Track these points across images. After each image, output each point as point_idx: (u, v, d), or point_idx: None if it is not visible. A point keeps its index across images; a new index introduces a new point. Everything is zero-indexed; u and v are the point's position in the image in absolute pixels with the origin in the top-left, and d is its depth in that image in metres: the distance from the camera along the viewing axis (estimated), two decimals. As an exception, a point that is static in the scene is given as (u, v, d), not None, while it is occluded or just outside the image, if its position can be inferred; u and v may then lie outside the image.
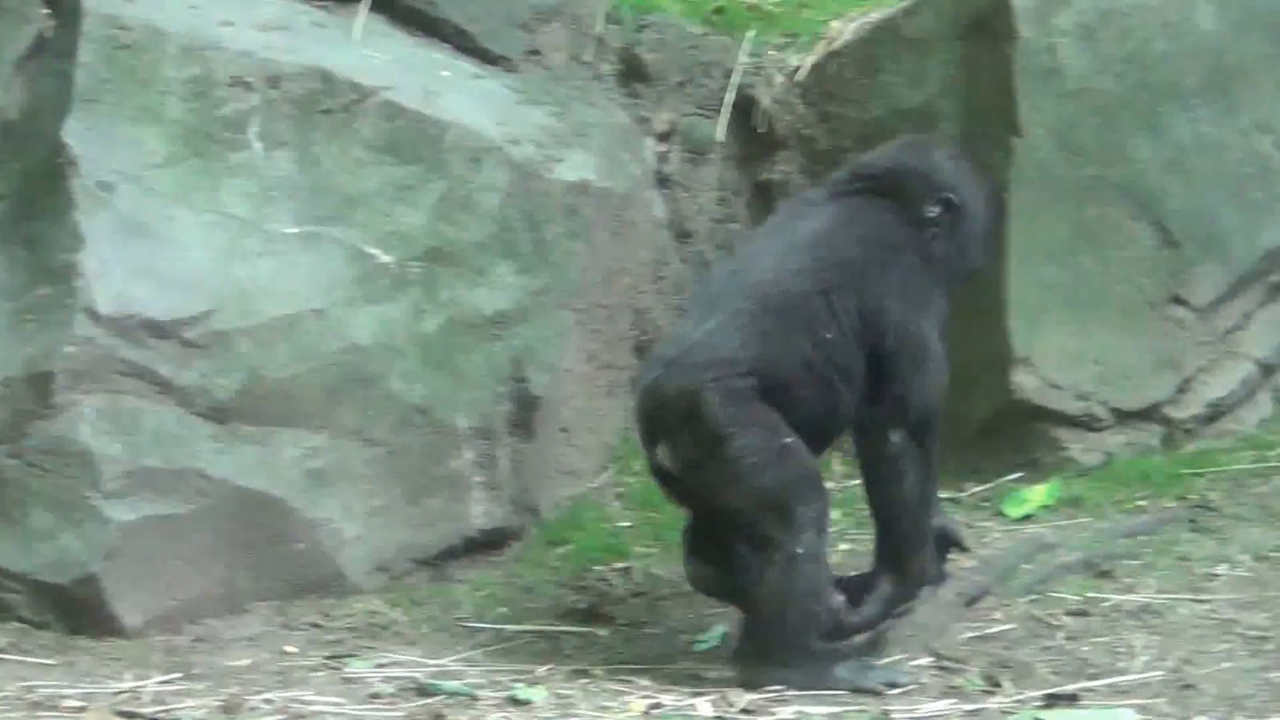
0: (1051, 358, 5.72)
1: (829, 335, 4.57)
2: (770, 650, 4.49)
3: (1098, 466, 5.72)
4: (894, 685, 4.46)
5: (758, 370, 4.51)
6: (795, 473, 4.49)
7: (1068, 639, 4.74)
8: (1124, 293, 5.78)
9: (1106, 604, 4.91)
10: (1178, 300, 5.81)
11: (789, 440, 4.50)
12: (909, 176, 4.80)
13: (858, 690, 4.43)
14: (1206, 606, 4.86)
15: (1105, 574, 5.06)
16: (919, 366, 4.61)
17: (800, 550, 4.43)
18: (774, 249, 4.72)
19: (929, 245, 4.73)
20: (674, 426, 4.55)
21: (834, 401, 4.60)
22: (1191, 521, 5.38)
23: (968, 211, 4.80)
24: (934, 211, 4.75)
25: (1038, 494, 5.59)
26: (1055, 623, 4.84)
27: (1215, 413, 5.88)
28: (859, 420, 4.65)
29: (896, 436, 4.58)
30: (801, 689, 4.41)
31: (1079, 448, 5.75)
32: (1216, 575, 5.05)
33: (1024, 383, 5.70)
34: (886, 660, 4.64)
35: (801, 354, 4.55)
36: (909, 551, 4.66)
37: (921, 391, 4.60)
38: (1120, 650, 4.64)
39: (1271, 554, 5.04)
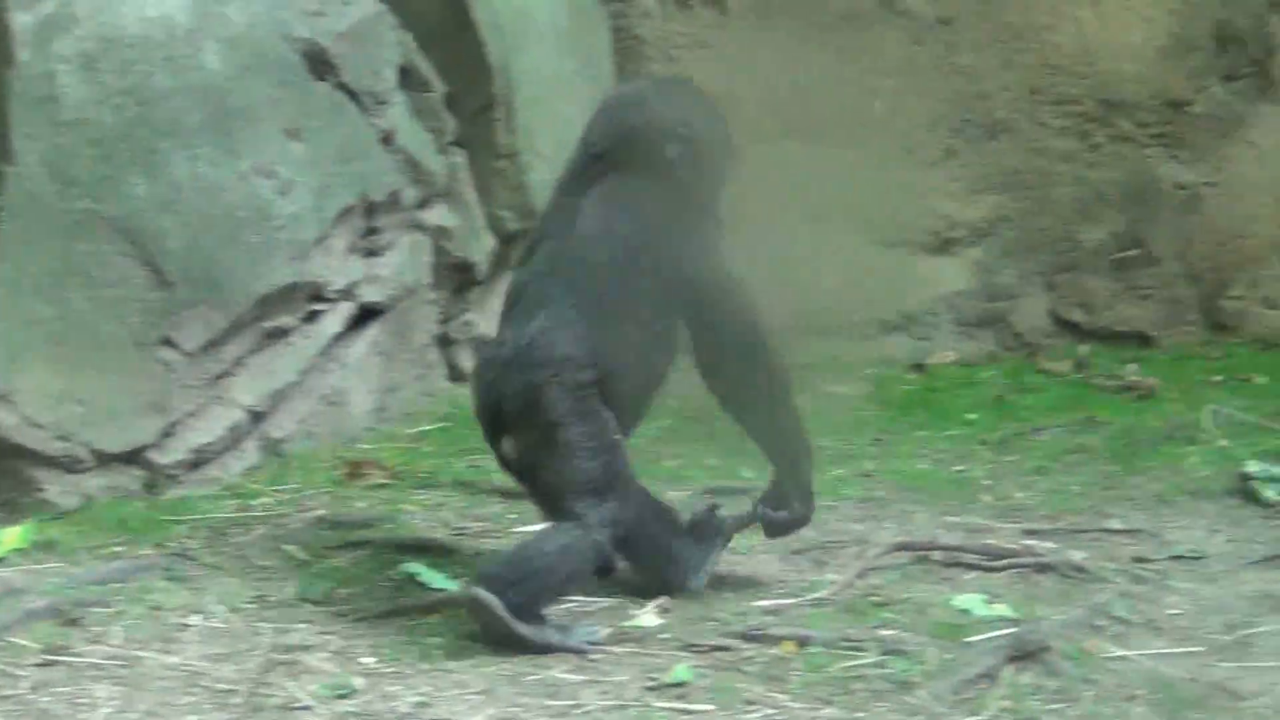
0: (33, 395, 5.58)
1: (649, 311, 5.00)
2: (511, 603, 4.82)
3: (76, 509, 5.64)
4: (595, 642, 4.84)
5: (594, 364, 4.93)
6: (618, 469, 4.96)
7: (32, 689, 4.57)
8: (113, 332, 5.71)
9: (73, 653, 4.78)
10: (168, 342, 5.78)
11: (618, 438, 4.99)
12: (640, 135, 5.15)
13: (564, 648, 4.81)
14: (176, 658, 4.80)
15: (73, 622, 4.92)
16: (727, 300, 5.06)
17: (597, 538, 4.89)
18: (574, 243, 5.05)
19: (685, 184, 5.12)
20: (515, 420, 4.96)
21: (657, 370, 5.11)
22: (167, 570, 5.32)
23: (699, 134, 5.16)
24: (675, 152, 5.11)
25: (11, 536, 5.41)
26: (19, 672, 4.66)
27: (200, 459, 5.91)
28: (701, 366, 5.08)
29: (735, 368, 5.05)
30: (532, 647, 4.79)
31: (57, 489, 5.65)
32: (189, 625, 5.00)
33: (2, 420, 5.54)
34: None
35: (629, 339, 4.98)
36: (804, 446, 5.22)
37: (737, 319, 5.04)
38: (83, 701, 4.51)
39: (245, 605, 5.04)
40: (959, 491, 6.25)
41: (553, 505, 5.05)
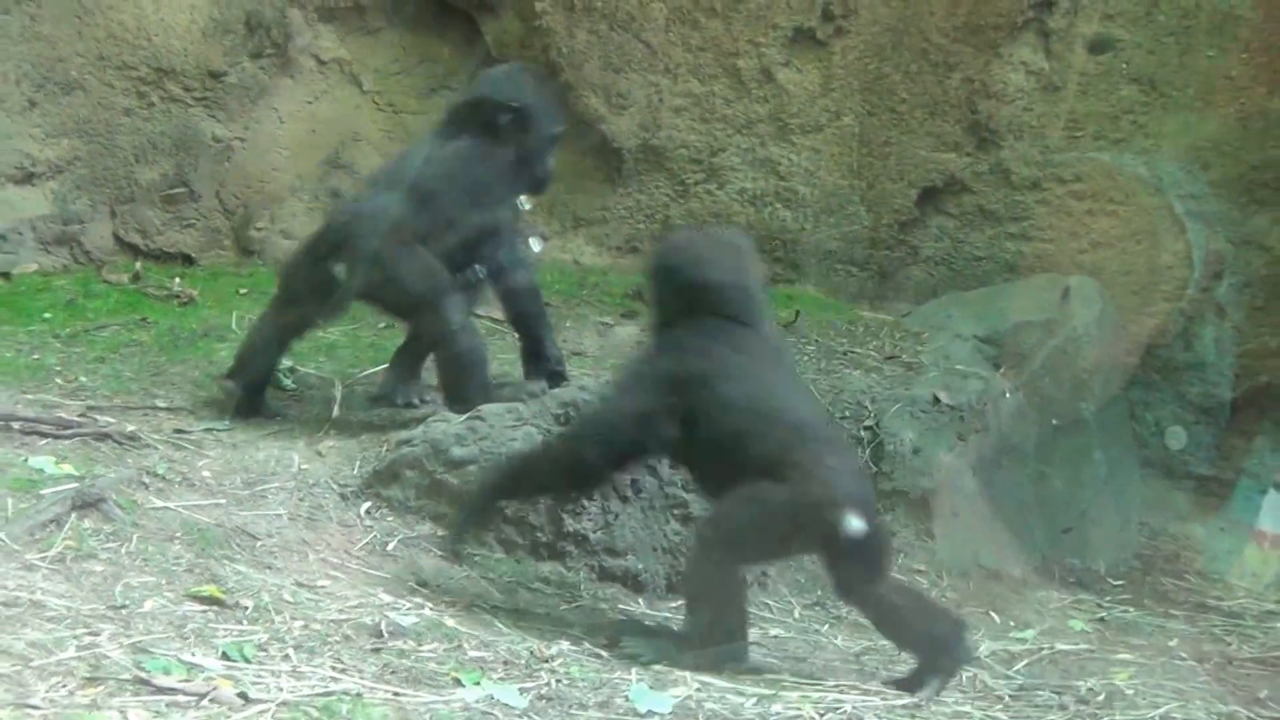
0: None
1: (452, 216, 6.20)
2: (467, 395, 6.09)
3: None
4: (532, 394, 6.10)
5: (421, 233, 6.18)
6: (436, 280, 6.13)
7: None
8: None
9: None
10: None
11: (434, 263, 6.18)
12: (483, 101, 6.34)
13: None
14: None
15: None
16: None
17: (454, 326, 6.11)
18: (420, 164, 6.26)
19: (508, 147, 6.29)
20: (358, 255, 6.14)
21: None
22: None
23: (532, 114, 6.35)
24: (505, 120, 6.29)
25: None
26: None
27: None
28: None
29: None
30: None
31: None
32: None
33: None
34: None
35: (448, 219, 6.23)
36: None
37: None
38: None
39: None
40: (34, 375, 6.83)
41: (407, 314, 6.38)
